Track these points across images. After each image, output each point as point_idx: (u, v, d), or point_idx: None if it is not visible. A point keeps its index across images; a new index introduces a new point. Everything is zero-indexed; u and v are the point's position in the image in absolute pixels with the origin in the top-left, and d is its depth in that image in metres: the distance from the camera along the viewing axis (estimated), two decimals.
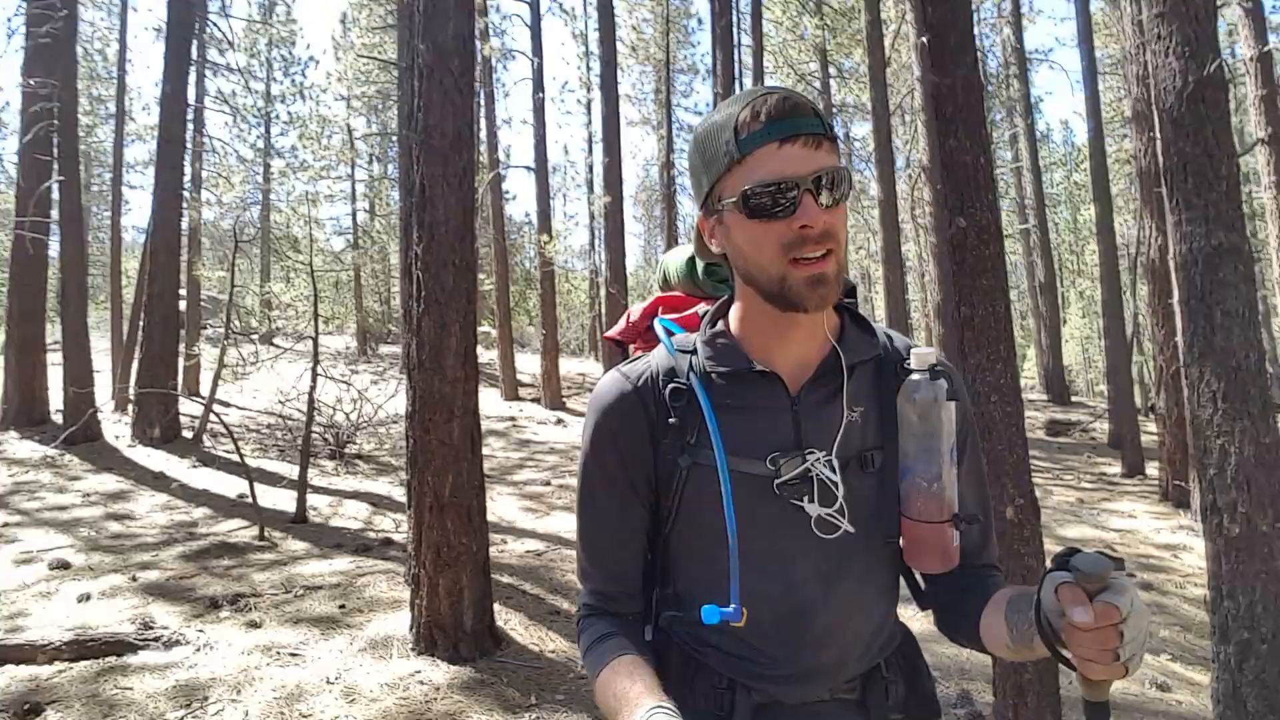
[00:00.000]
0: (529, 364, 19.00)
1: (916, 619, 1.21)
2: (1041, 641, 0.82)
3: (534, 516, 7.55)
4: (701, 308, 1.20)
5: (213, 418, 9.61)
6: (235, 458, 8.11)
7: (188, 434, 10.12)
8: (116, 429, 10.14)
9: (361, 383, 11.60)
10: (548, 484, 9.09)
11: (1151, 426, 11.66)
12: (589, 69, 20.65)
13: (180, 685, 3.65)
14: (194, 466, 8.81)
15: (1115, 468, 11.35)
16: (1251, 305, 2.61)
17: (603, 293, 18.10)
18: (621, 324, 1.33)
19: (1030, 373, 22.89)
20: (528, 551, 6.23)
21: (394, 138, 19.75)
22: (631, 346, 1.32)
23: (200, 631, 4.30)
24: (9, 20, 9.61)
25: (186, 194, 11.58)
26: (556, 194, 33.80)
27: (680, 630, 1.05)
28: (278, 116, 20.12)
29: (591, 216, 20.83)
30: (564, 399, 15.98)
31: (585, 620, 1.06)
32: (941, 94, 2.87)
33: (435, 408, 4.25)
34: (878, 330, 1.05)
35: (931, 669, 1.11)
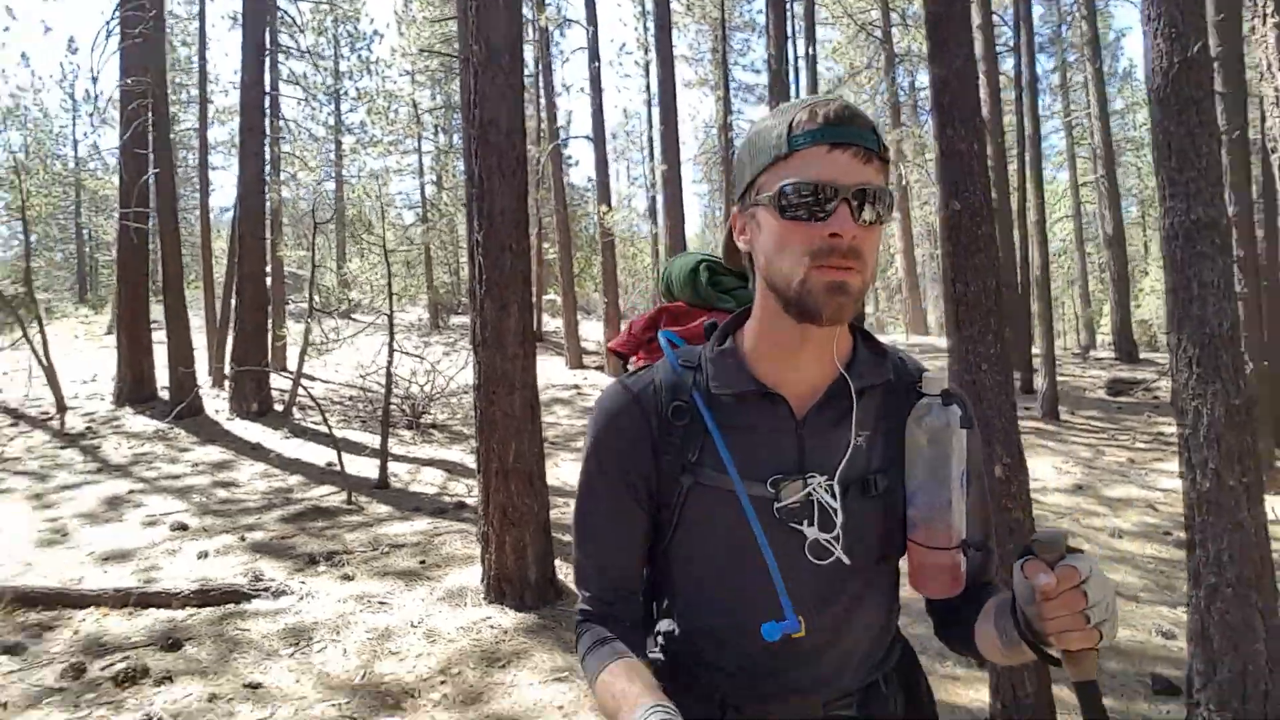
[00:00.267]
0: (594, 331, 19.43)
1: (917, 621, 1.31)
2: (1022, 641, 0.85)
3: None
4: (706, 320, 1.16)
5: (300, 392, 10.35)
6: (323, 429, 8.81)
7: (279, 407, 10.90)
8: (216, 404, 11.03)
9: (434, 355, 12.22)
10: None
11: None
12: (645, 30, 20.36)
13: (289, 628, 4.24)
14: (286, 438, 9.56)
15: (1174, 427, 10.95)
16: (1227, 276, 2.74)
17: (664, 260, 18.29)
18: (623, 335, 1.44)
19: (1106, 329, 22.04)
20: None
21: (458, 111, 20.12)
22: (632, 359, 1.41)
23: (302, 583, 4.90)
24: (107, 23, 10.31)
25: (267, 178, 12.22)
26: (619, 158, 33.80)
27: (673, 644, 1.06)
28: (346, 93, 20.47)
29: (651, 184, 20.88)
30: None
31: (583, 625, 1.05)
32: (938, 85, 3.03)
33: (498, 382, 4.66)
34: (889, 352, 1.03)
35: None
